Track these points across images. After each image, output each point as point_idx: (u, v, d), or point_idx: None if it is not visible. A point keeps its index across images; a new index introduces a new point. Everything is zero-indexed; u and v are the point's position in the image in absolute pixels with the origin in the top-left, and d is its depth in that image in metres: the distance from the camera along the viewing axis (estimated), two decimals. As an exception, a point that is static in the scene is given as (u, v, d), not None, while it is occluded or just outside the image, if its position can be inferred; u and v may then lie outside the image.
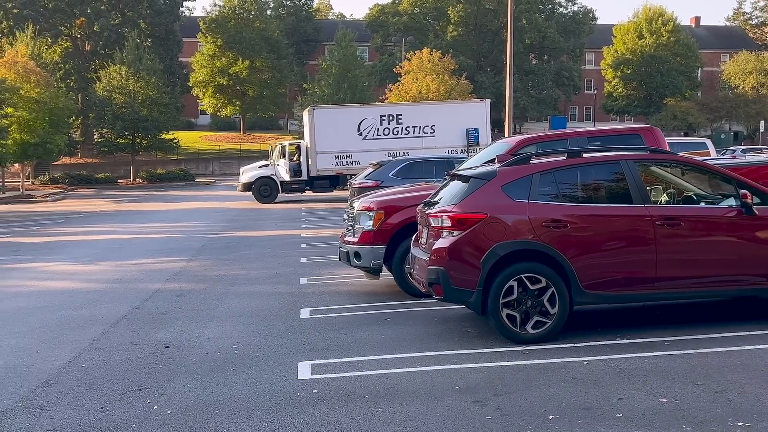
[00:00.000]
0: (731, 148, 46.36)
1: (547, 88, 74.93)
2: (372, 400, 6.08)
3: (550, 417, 5.54)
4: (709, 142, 26.23)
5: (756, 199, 7.91)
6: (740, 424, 5.27)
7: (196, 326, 9.19)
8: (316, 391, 6.42)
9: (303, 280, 12.30)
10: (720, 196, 8.32)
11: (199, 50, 72.85)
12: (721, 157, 20.93)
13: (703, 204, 8.27)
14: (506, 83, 32.16)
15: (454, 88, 52.46)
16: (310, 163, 32.73)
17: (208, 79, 70.50)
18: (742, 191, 7.85)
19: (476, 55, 74.83)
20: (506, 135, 29.58)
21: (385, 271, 10.89)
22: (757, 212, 7.84)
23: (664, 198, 8.47)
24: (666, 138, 12.15)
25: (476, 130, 33.81)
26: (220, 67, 69.98)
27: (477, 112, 34.80)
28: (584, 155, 8.22)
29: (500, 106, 54.07)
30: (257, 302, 10.60)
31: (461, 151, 31.50)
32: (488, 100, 36.78)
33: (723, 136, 64.72)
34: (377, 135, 33.13)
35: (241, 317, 9.62)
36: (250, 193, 33.02)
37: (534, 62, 77.68)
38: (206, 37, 71.64)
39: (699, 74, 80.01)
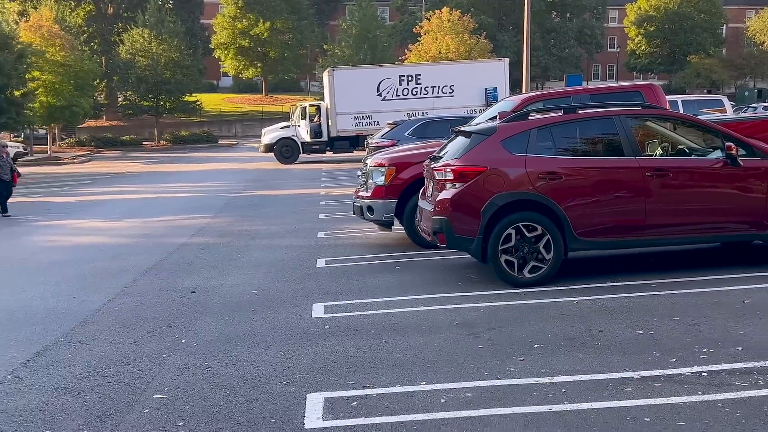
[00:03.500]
0: (753, 105, 46.16)
1: (569, 47, 74.42)
2: (377, 334, 6.73)
3: (536, 346, 6.15)
4: (725, 100, 26.41)
5: (741, 151, 8.38)
6: (705, 350, 5.85)
7: (220, 274, 9.88)
8: (327, 327, 7.09)
9: (320, 234, 12.95)
10: (711, 150, 8.79)
11: (221, 12, 73.08)
12: (724, 114, 21.19)
13: (693, 156, 8.75)
14: (524, 41, 32.32)
15: (473, 47, 52.43)
16: (330, 124, 33.24)
17: (229, 41, 70.84)
18: (728, 143, 8.32)
19: (497, 14, 74.38)
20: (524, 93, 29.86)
21: (396, 225, 11.50)
22: (741, 163, 8.32)
23: (658, 151, 8.95)
24: (685, 95, 12.54)
25: (495, 89, 34.05)
26: (241, 28, 70.23)
27: (496, 72, 35.03)
28: (579, 111, 8.71)
29: (521, 65, 54.03)
30: (276, 254, 11.27)
31: (480, 111, 31.86)
32: (507, 60, 36.93)
33: (747, 93, 64.13)
34: (396, 95, 33.51)
35: (261, 267, 10.29)
36: (272, 154, 33.66)
37: (556, 20, 77.05)
38: (227, -2, 71.86)
39: (723, 31, 78.99)
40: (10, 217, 17.63)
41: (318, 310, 7.74)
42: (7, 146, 20.09)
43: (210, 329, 7.23)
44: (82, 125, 54.08)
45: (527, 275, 8.19)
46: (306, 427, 4.81)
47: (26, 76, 33.10)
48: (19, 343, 7.04)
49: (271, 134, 34.24)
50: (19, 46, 32.11)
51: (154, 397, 5.46)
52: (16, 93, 30.93)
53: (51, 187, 25.52)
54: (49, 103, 41.14)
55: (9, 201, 18.20)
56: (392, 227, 11.63)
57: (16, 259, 11.96)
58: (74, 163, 40.12)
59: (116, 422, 5.03)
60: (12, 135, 46.65)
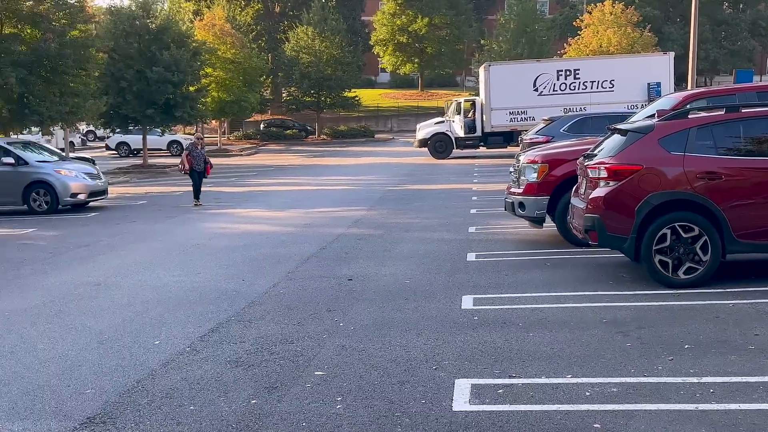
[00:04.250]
0: None
1: (741, 39, 70.26)
2: (525, 328, 6.91)
3: (686, 346, 6.13)
4: None
5: None
6: None
7: (375, 264, 10.35)
8: (476, 318, 7.34)
9: (471, 229, 13.19)
10: None
11: (381, 9, 74.51)
12: None
13: None
14: (690, 33, 31.01)
15: (636, 41, 50.65)
16: (484, 119, 33.30)
17: (388, 38, 72.08)
18: None
19: (664, 6, 71.33)
20: (689, 89, 28.67)
21: (548, 222, 11.55)
22: None
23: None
24: None
25: (658, 84, 32.90)
26: (400, 25, 71.29)
27: (660, 66, 33.83)
28: (743, 110, 8.45)
29: (687, 58, 51.74)
30: (428, 246, 11.63)
31: (641, 107, 30.88)
32: (672, 53, 35.57)
33: None
34: (553, 90, 33.09)
35: (414, 258, 10.68)
36: (426, 149, 34.15)
37: (728, 11, 72.97)
38: (388, -5, 73.15)
39: None
40: (201, 205, 18.60)
41: (467, 302, 8.00)
42: (203, 138, 20.94)
43: (365, 315, 7.66)
44: (249, 119, 56.90)
45: (682, 276, 8.07)
46: (453, 409, 5.09)
47: (200, 73, 35.31)
48: (195, 319, 7.76)
49: (425, 129, 34.74)
50: (194, 45, 34.31)
51: (316, 373, 5.92)
52: (191, 89, 33.10)
53: (221, 177, 27.21)
54: (220, 98, 43.64)
55: (184, 190, 19.63)
56: (543, 224, 11.70)
57: (191, 244, 12.99)
58: (241, 155, 42.40)
59: (282, 394, 5.52)
60: (185, 128, 49.88)
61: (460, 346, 6.44)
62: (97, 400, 5.52)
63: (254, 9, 65.06)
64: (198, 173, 18.99)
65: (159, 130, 36.43)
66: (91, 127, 49.24)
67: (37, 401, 5.56)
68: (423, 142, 34.35)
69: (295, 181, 25.54)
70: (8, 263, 11.61)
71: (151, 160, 34.90)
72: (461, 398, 5.26)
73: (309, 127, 56.26)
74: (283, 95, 60.51)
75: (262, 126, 55.82)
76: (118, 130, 34.66)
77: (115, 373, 6.14)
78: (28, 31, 23.79)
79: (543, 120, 21.01)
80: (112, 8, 33.17)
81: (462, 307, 7.78)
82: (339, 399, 5.36)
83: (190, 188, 19.33)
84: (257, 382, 5.79)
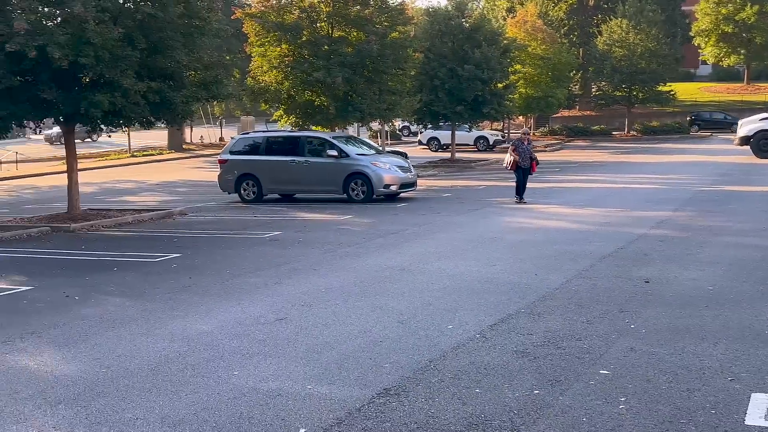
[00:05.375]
0: None
1: None
2: (842, 347, 6.25)
3: None
4: None
5: None
6: None
7: (676, 268, 9.91)
8: (785, 332, 6.78)
9: (792, 236, 12.04)
10: None
11: (705, -3, 69.74)
12: None
13: None
14: None
15: None
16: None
17: (711, 28, 67.26)
18: None
19: None
20: None
21: None
22: None
23: None
24: None
25: None
26: (725, 14, 66.14)
27: None
28: None
29: None
30: (739, 252, 10.85)
31: None
32: None
33: None
34: None
35: (720, 264, 10.04)
36: (748, 147, 31.46)
37: None
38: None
39: None
40: (526, 203, 18.11)
41: (777, 314, 7.41)
42: (529, 134, 20.36)
43: (659, 318, 7.42)
44: (556, 115, 56.55)
45: None
46: (746, 423, 4.82)
47: (509, 70, 35.85)
48: (486, 308, 8.08)
49: (748, 126, 31.95)
50: (504, 42, 34.95)
51: (600, 372, 5.91)
52: (499, 85, 33.76)
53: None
54: (527, 94, 43.96)
55: (487, 185, 20.10)
56: None
57: (489, 236, 13.39)
58: (545, 151, 42.37)
59: (564, 388, 5.60)
60: (491, 124, 50.94)
61: (761, 360, 6.02)
62: (393, 374, 6.04)
63: (567, 4, 64.42)
64: (523, 170, 18.55)
65: (467, 126, 37.62)
66: (406, 123, 52.28)
67: (343, 369, 6.21)
68: (744, 140, 31.61)
69: (597, 178, 25.02)
70: (328, 245, 12.89)
71: (458, 155, 36.24)
72: (756, 413, 4.95)
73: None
74: (593, 90, 59.23)
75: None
76: (429, 126, 36.42)
77: (410, 351, 6.64)
78: (354, 34, 25.92)
79: None
80: (430, 10, 34.90)
81: (769, 319, 7.23)
82: (622, 399, 5.31)
83: (493, 183, 19.87)
84: (541, 373, 5.92)
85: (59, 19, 15.55)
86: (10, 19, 14.41)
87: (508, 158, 18.94)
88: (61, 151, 45.59)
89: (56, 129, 53.08)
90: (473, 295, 8.71)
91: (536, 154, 19.41)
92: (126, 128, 18.64)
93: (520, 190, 18.62)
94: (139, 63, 15.82)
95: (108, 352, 6.94)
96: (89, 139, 55.99)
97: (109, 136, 22.35)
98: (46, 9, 16.27)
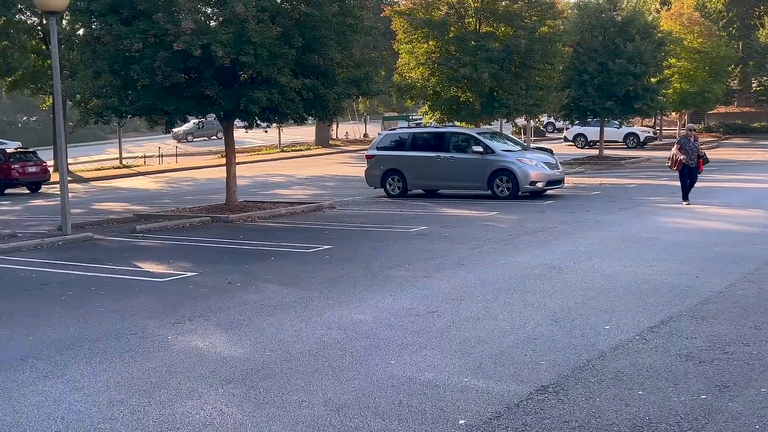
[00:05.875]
0: None
1: None
2: None
3: None
4: None
5: None
6: None
7: None
8: None
9: None
10: None
11: None
12: None
13: None
14: None
15: None
16: None
17: None
18: None
19: None
20: None
21: None
22: None
23: None
24: None
25: None
26: None
27: None
28: None
29: None
30: None
31: None
32: None
33: None
34: None
35: None
36: None
37: None
38: None
39: None
40: (689, 204, 17.08)
41: None
42: (695, 130, 18.98)
43: (837, 328, 6.95)
44: (712, 111, 53.82)
45: None
46: None
47: (663, 64, 34.45)
48: (645, 310, 7.82)
49: None
50: (659, 35, 33.60)
51: (772, 380, 5.61)
52: (652, 80, 32.51)
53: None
54: (682, 89, 42.07)
55: (638, 183, 19.40)
56: None
57: (644, 236, 12.94)
58: (701, 148, 40.41)
59: (734, 394, 5.35)
60: (642, 120, 49.10)
61: None
62: (550, 372, 5.97)
63: (728, -6, 61.11)
64: (690, 169, 17.44)
65: (616, 122, 36.44)
66: (551, 119, 51.29)
67: (498, 364, 6.20)
68: None
69: (759, 178, 23.65)
70: (475, 241, 12.88)
71: (606, 152, 35.20)
72: None
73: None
74: (753, 85, 55.92)
75: None
76: (576, 122, 35.63)
77: (567, 350, 6.54)
78: (502, 29, 25.72)
79: None
80: (580, 3, 34.09)
81: None
82: (799, 410, 5.03)
83: (645, 181, 19.19)
84: (708, 378, 5.68)
85: (221, 18, 16.33)
86: (177, 20, 15.27)
87: (673, 156, 17.73)
88: (189, 148, 47.98)
89: (183, 127, 56.47)
90: (630, 296, 8.46)
91: (704, 151, 18.14)
92: (279, 124, 19.31)
93: (685, 191, 17.55)
94: (295, 60, 16.40)
95: (270, 336, 7.25)
96: (215, 137, 58.81)
97: (265, 131, 23.14)
98: (209, 9, 17.19)
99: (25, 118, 75.39)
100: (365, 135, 54.24)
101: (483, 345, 6.76)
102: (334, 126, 53.39)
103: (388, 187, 21.51)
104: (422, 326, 7.44)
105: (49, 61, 34.58)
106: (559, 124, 50.48)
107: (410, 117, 53.37)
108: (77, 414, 5.33)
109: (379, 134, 25.35)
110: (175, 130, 62.03)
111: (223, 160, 20.08)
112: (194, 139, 59.83)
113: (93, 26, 16.66)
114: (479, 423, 5.00)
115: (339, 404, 5.39)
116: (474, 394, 5.53)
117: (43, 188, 30.65)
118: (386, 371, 6.08)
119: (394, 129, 25.30)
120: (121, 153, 42.81)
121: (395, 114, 59.82)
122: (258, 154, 45.38)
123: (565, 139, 45.75)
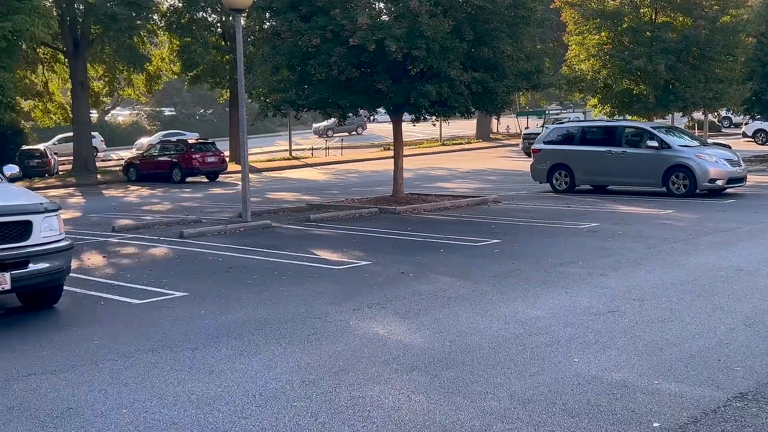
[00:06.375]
0: None
1: None
2: None
3: None
4: None
5: None
6: None
7: None
8: None
9: None
10: None
11: None
12: None
13: None
14: None
15: None
16: None
17: None
18: None
19: None
20: None
21: None
22: None
23: None
24: None
25: None
26: None
27: None
28: None
29: None
30: None
31: None
32: None
33: None
34: None
35: None
36: None
37: None
38: None
39: None
40: None
41: None
42: None
43: None
44: None
45: None
46: None
47: None
48: None
49: None
50: None
51: None
52: None
53: None
54: None
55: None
56: None
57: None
58: None
59: None
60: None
61: None
62: (748, 379, 5.65)
63: None
64: None
65: (803, 117, 33.80)
66: (728, 114, 48.41)
67: (690, 368, 5.93)
68: None
69: None
70: (650, 240, 12.39)
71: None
72: None
73: None
74: None
75: None
76: (758, 116, 33.42)
77: (764, 356, 6.17)
78: (680, 19, 24.58)
79: None
80: (765, -9, 31.94)
81: None
82: None
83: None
84: None
85: (394, 13, 16.60)
86: (353, 16, 15.66)
87: None
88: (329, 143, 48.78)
89: (323, 123, 57.84)
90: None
91: None
92: (447, 118, 19.41)
93: None
94: (465, 54, 16.40)
95: (449, 327, 7.31)
96: (355, 133, 59.69)
97: (434, 125, 23.36)
98: (382, 5, 17.52)
99: (202, 110, 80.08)
100: (527, 128, 53.47)
101: (671, 347, 6.49)
102: (494, 119, 53.02)
103: (554, 181, 21.11)
104: (603, 325, 7.25)
105: (227, 57, 36.67)
106: (736, 119, 47.57)
107: (546, 112, 52.17)
108: (273, 391, 5.61)
109: (546, 128, 24.90)
110: (315, 125, 63.81)
111: (386, 153, 20.45)
112: (334, 135, 60.36)
113: (273, 23, 17.40)
114: (674, 427, 4.82)
115: (525, 398, 5.35)
116: (666, 397, 5.33)
117: (220, 177, 32.45)
118: (570, 369, 5.97)
119: (562, 122, 24.78)
120: (291, 145, 44.58)
121: (529, 110, 58.92)
122: (419, 147, 45.85)
123: (744, 135, 43.07)
